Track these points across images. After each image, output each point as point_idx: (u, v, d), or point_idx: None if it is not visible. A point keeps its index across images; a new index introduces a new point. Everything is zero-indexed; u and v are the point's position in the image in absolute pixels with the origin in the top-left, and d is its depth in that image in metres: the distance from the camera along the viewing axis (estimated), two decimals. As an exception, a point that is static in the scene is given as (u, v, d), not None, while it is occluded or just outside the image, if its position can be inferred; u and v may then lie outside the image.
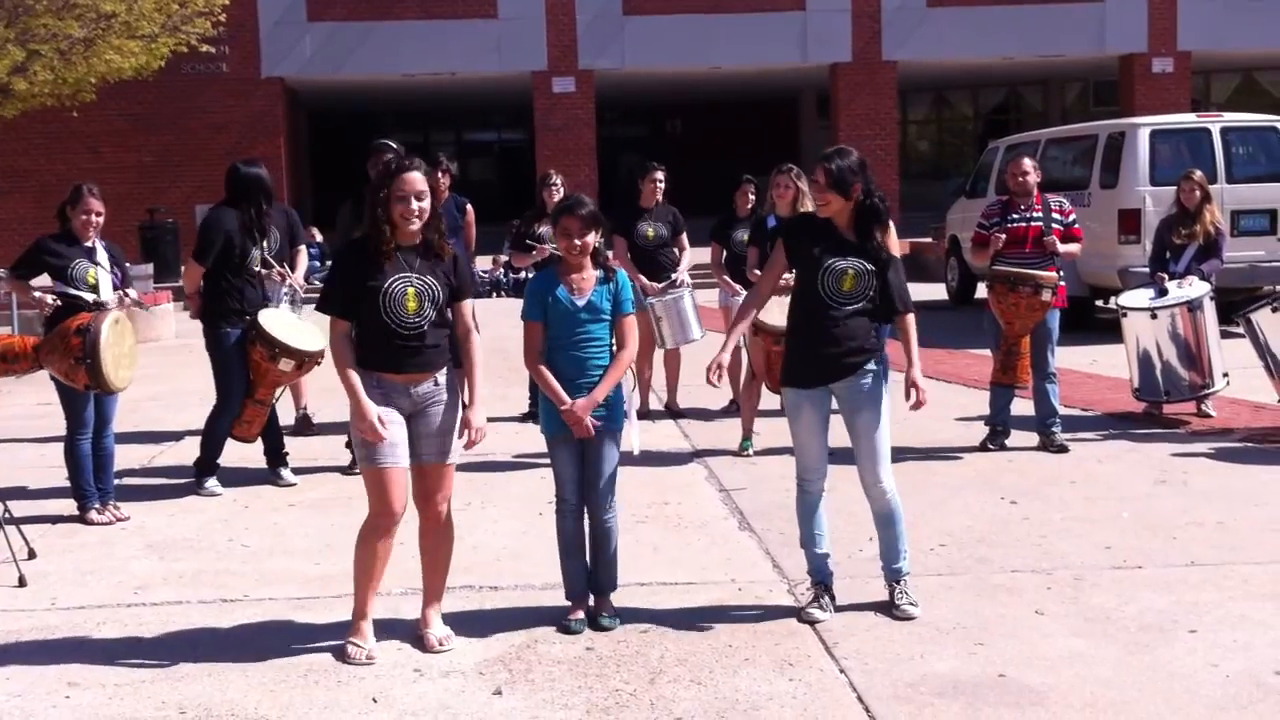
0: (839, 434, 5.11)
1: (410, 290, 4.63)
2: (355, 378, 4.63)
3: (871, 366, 4.99)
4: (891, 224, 5.13)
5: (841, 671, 4.45)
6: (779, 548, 5.98)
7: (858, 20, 26.14)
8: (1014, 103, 32.97)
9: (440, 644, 4.77)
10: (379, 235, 4.65)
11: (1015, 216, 7.99)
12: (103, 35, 18.44)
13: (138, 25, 18.75)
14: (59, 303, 6.48)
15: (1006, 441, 8.07)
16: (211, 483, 7.35)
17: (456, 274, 4.78)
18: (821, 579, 5.11)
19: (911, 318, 5.09)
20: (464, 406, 4.81)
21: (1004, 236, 7.93)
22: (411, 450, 4.74)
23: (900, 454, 6.43)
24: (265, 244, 7.38)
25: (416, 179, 4.67)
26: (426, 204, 4.68)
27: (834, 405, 5.10)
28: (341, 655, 4.66)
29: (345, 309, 4.69)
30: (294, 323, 7.38)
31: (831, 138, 27.50)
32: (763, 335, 7.99)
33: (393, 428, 4.65)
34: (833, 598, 5.08)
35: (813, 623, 4.91)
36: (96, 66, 18.79)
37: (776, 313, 7.99)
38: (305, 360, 7.16)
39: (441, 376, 4.76)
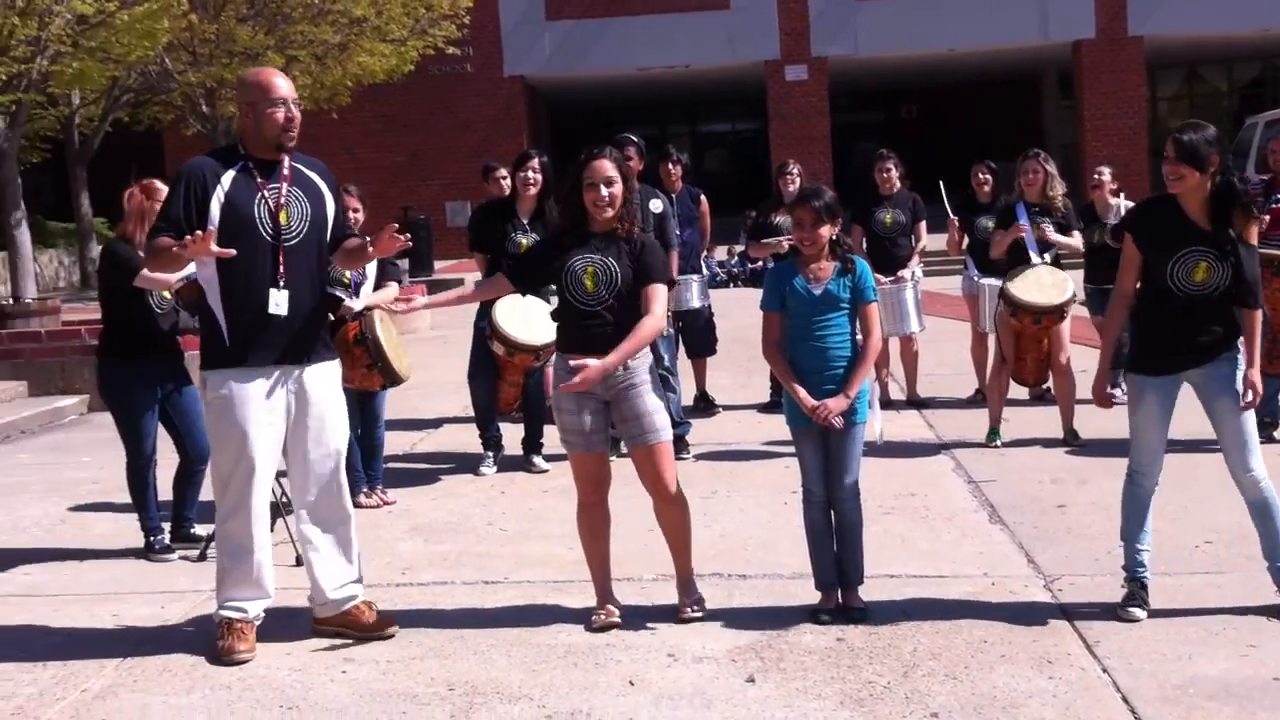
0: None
1: (589, 269, 4.78)
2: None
3: (1232, 353, 4.81)
4: (1254, 210, 4.85)
5: (1104, 671, 4.33)
6: (1033, 541, 5.85)
7: (1101, -6, 25.20)
8: (1271, 76, 31.15)
9: (691, 610, 4.96)
10: (569, 220, 4.88)
11: (1279, 197, 7.60)
12: (355, 40, 19.37)
13: (387, 29, 19.62)
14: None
15: (1275, 433, 7.69)
16: (486, 463, 7.87)
17: (640, 258, 4.83)
18: (1138, 576, 4.94)
19: (1259, 315, 4.88)
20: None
21: (1267, 219, 7.55)
22: (623, 435, 4.94)
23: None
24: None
25: (604, 166, 4.81)
26: (618, 189, 4.81)
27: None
28: (587, 623, 4.95)
29: (520, 281, 5.14)
30: (532, 312, 7.17)
31: (1076, 118, 26.60)
32: (1021, 314, 7.73)
33: (585, 416, 4.85)
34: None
35: (1132, 621, 4.77)
36: (350, 70, 19.74)
37: (1034, 290, 7.72)
38: (514, 348, 7.14)
39: (632, 361, 4.81)
